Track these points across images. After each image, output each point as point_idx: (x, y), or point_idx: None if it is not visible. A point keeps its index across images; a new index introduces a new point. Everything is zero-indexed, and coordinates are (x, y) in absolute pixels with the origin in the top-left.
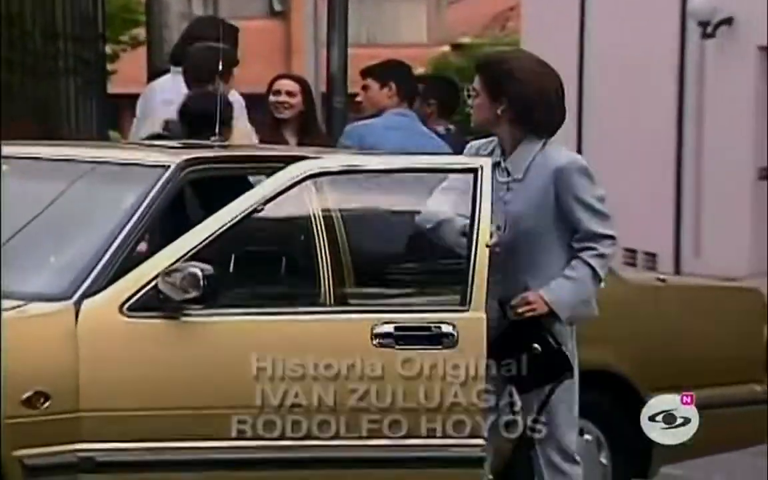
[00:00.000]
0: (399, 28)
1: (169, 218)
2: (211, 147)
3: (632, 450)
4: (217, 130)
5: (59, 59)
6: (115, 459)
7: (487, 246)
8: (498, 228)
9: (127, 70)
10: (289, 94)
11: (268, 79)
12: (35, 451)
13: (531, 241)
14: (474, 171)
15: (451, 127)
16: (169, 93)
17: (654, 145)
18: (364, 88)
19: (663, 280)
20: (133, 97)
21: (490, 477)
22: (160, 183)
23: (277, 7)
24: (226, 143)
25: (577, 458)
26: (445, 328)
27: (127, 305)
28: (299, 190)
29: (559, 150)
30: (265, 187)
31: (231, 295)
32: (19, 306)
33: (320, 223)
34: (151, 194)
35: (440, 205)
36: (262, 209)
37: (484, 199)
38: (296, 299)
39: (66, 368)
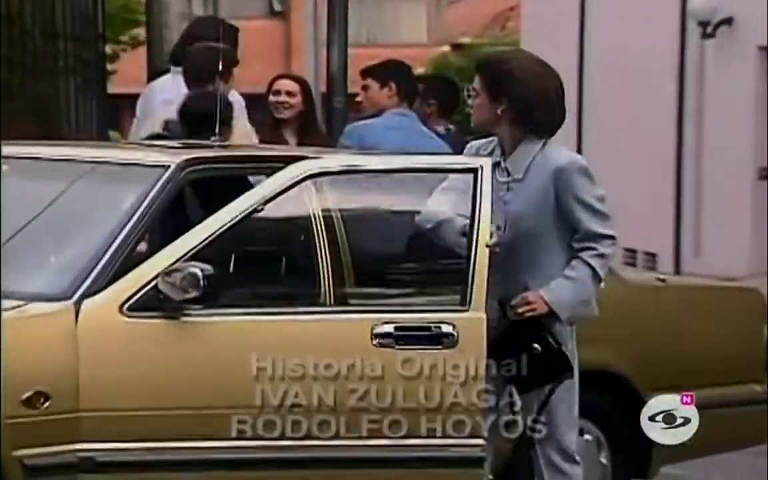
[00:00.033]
0: (399, 28)
1: (169, 218)
2: (211, 147)
3: (632, 450)
4: (217, 130)
5: (59, 59)
6: (115, 459)
7: (487, 246)
8: (498, 228)
9: (127, 70)
10: (289, 94)
11: (268, 79)
12: (35, 451)
13: (531, 241)
14: (474, 171)
15: (451, 127)
16: (169, 93)
17: (654, 145)
18: (364, 88)
19: (663, 280)
20: (133, 97)
21: (490, 477)
22: (160, 183)
23: (277, 7)
24: (226, 143)
25: (577, 458)
26: (445, 328)
27: (127, 305)
28: (299, 190)
29: (559, 150)
30: (265, 187)
31: (231, 295)
32: (19, 306)
33: (320, 223)
34: (151, 194)
35: (440, 205)
36: (262, 209)
37: (484, 199)
38: (296, 299)
39: (66, 368)
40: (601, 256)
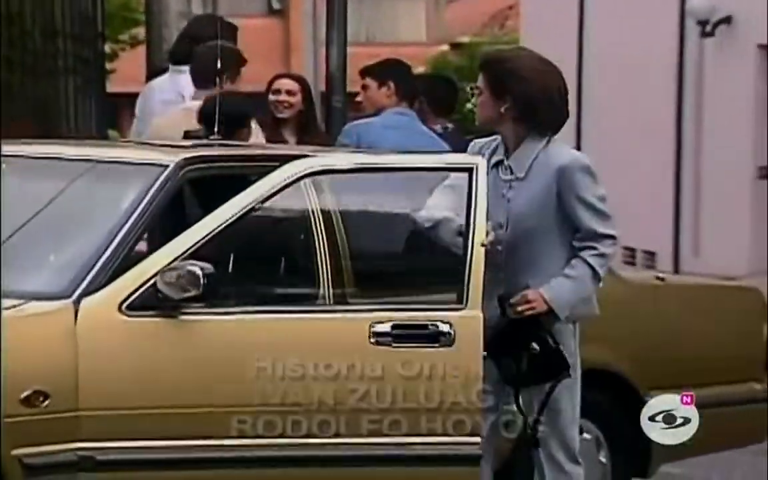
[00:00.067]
0: (398, 26)
1: (168, 217)
2: (210, 146)
3: (632, 449)
4: (234, 128)
5: (58, 58)
6: (114, 457)
7: (482, 245)
8: (500, 226)
9: (126, 69)
10: (290, 93)
11: (267, 78)
12: (35, 449)
13: (532, 239)
14: (469, 170)
15: (449, 125)
16: (168, 93)
17: (653, 144)
18: (363, 87)
19: (662, 279)
20: (133, 96)
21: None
22: (159, 182)
23: (276, 6)
24: (226, 142)
25: (579, 459)
26: (442, 327)
27: (126, 304)
28: (298, 188)
29: (562, 148)
30: (264, 185)
31: (230, 294)
32: (18, 305)
33: (319, 221)
34: (151, 193)
35: (439, 204)
36: (261, 207)
37: (480, 197)
38: (294, 298)
39: (65, 367)
40: (602, 255)
